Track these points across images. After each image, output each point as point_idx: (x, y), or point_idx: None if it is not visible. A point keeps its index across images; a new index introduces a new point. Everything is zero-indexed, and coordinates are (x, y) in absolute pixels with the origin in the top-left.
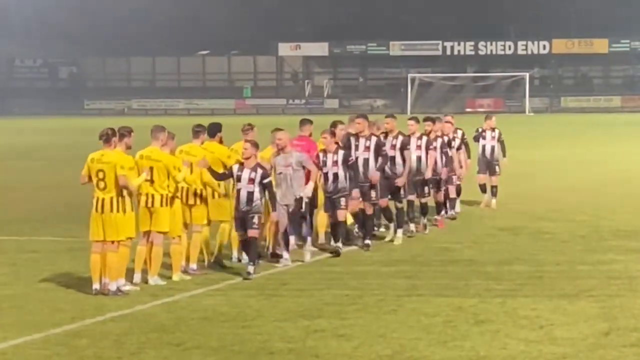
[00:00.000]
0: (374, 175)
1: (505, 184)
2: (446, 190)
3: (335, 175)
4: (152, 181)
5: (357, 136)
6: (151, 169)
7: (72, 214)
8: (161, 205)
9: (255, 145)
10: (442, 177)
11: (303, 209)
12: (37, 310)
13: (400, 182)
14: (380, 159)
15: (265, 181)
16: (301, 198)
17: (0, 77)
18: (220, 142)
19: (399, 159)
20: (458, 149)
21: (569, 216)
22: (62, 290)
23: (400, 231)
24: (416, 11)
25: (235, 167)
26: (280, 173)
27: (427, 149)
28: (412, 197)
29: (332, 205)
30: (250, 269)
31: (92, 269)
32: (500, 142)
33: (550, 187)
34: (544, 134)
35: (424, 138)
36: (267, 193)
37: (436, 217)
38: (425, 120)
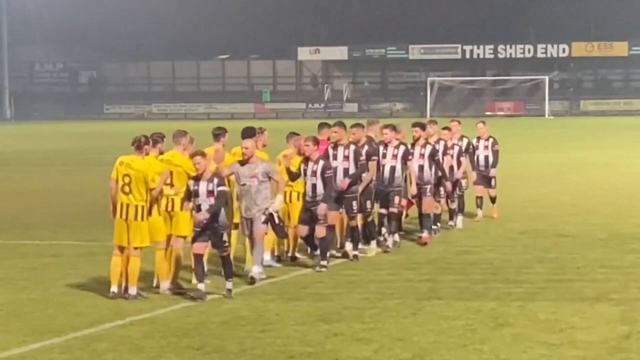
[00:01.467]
0: (343, 182)
1: (525, 187)
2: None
3: (314, 187)
4: (171, 185)
5: (335, 145)
6: (171, 173)
7: (93, 218)
8: (181, 209)
9: (204, 156)
10: (447, 190)
11: (277, 222)
12: (57, 315)
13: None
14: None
15: (219, 189)
16: (271, 214)
17: (20, 82)
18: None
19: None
20: (458, 156)
21: (589, 219)
22: (83, 294)
23: (374, 242)
24: (435, 15)
25: (191, 182)
26: (244, 184)
27: (405, 159)
28: (383, 210)
29: (310, 218)
30: (230, 285)
31: (112, 271)
32: (494, 151)
33: (570, 190)
34: (564, 137)
35: (402, 148)
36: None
37: (424, 232)
38: (413, 126)
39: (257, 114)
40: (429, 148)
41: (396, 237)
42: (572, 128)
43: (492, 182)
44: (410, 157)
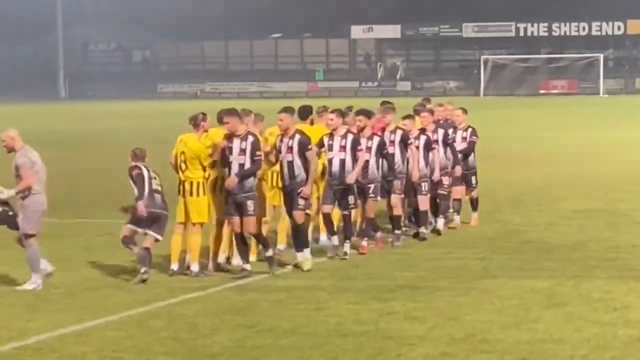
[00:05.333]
0: (230, 180)
1: (579, 165)
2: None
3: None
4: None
5: (230, 136)
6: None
7: None
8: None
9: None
10: (394, 190)
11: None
12: (111, 293)
13: (305, 192)
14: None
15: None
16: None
17: (74, 62)
18: (312, 124)
19: (298, 162)
20: (429, 149)
21: None
22: (136, 273)
23: (302, 254)
24: None
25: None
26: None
27: (355, 149)
28: (327, 208)
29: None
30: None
31: (173, 249)
32: (470, 142)
33: (625, 168)
34: (619, 116)
35: (350, 137)
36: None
37: (363, 241)
38: (357, 114)
39: (309, 93)
40: (376, 140)
41: (344, 245)
42: (627, 106)
43: (473, 181)
44: (359, 148)
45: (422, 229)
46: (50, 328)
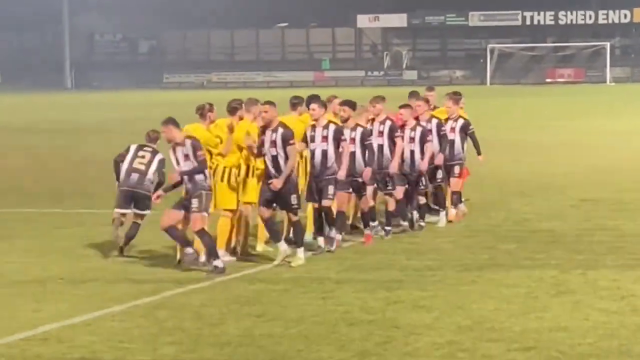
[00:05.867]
0: (171, 176)
1: (586, 154)
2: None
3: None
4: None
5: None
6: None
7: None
8: (247, 176)
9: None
10: (364, 179)
11: None
12: (117, 283)
13: (275, 184)
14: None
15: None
16: None
17: (80, 52)
18: None
19: (283, 155)
20: (425, 141)
21: None
22: (142, 262)
23: (300, 250)
24: None
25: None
26: None
27: (337, 140)
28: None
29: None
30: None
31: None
32: (470, 135)
33: (631, 156)
34: (626, 104)
35: (331, 127)
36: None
37: (366, 230)
38: (341, 104)
39: (316, 82)
40: (359, 131)
41: (335, 235)
42: (633, 94)
43: (456, 170)
44: (343, 138)
45: (421, 222)
46: (56, 318)
